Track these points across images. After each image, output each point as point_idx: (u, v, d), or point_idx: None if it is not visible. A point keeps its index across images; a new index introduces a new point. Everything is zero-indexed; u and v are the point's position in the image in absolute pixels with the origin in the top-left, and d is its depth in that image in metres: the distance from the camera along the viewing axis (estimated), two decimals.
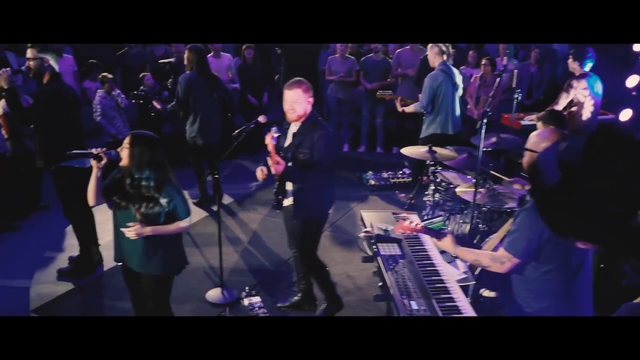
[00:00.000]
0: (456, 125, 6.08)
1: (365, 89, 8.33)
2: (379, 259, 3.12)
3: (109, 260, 5.07)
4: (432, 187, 4.88)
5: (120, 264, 3.61)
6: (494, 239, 3.10)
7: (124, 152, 3.25)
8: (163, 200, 3.27)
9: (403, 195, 6.63)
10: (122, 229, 3.28)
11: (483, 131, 4.00)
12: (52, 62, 4.43)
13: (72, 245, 5.44)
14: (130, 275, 3.56)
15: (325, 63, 8.55)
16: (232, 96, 7.34)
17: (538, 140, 2.76)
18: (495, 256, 2.79)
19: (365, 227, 3.54)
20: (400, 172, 7.17)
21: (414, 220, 3.60)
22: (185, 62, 5.93)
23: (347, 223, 6.05)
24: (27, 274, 5.03)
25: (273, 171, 3.60)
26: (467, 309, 2.69)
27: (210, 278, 4.97)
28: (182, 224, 3.38)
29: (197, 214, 6.16)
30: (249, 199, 6.79)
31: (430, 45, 6.09)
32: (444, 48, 5.99)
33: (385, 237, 3.26)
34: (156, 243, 3.36)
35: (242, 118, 8.69)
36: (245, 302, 4.49)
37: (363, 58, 8.37)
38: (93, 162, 3.31)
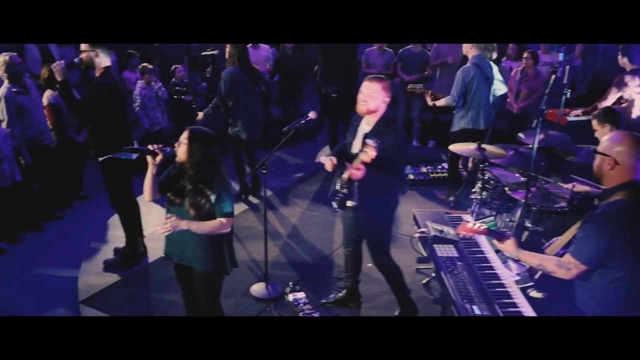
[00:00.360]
0: (488, 120, 5.98)
1: (402, 81, 8.24)
2: (436, 260, 3.07)
3: (152, 252, 5.15)
4: (479, 185, 4.80)
5: (170, 260, 3.61)
6: (558, 243, 3.02)
7: (182, 148, 3.24)
8: (213, 197, 3.25)
9: (441, 193, 6.55)
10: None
11: (538, 129, 3.91)
12: (104, 55, 4.45)
13: (115, 236, 5.52)
14: (182, 272, 3.57)
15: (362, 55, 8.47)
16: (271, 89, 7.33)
17: (611, 143, 2.68)
18: (561, 262, 2.73)
19: (420, 227, 3.49)
20: (439, 167, 7.08)
21: (468, 220, 3.56)
22: (227, 56, 5.91)
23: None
24: (74, 264, 5.11)
25: (351, 176, 3.54)
26: (531, 315, 2.64)
27: (252, 272, 4.97)
28: (222, 223, 3.31)
29: (237, 207, 6.17)
30: (288, 192, 6.77)
31: None
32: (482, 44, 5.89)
33: (441, 238, 3.21)
34: (209, 241, 3.35)
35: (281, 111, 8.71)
36: (290, 297, 4.48)
37: (401, 50, 8.27)
38: (149, 159, 3.30)
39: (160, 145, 3.30)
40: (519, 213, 4.67)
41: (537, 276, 3.10)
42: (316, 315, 4.29)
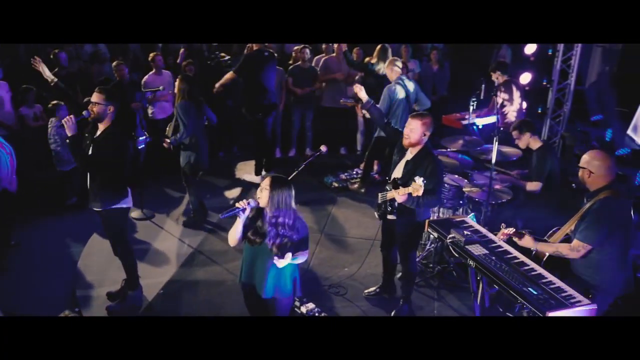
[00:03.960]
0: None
1: (295, 95, 8.95)
2: (476, 258, 3.94)
3: (147, 289, 5.33)
4: None
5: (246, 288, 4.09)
6: (559, 234, 4.05)
7: (264, 195, 3.66)
8: (295, 236, 3.75)
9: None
10: (275, 261, 3.67)
11: (496, 139, 5.00)
12: (114, 111, 4.56)
13: (90, 282, 5.53)
14: (253, 299, 4.04)
15: None
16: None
17: (588, 159, 3.82)
18: (572, 246, 3.80)
19: (441, 234, 4.36)
20: (354, 172, 8.03)
21: (468, 221, 4.52)
22: (176, 90, 6.14)
23: (334, 227, 6.75)
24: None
25: (399, 200, 4.33)
26: (572, 292, 3.60)
27: None
28: (305, 254, 3.87)
29: (194, 231, 6.48)
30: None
31: (387, 63, 6.98)
32: (399, 64, 6.92)
33: (471, 241, 4.10)
34: (282, 272, 3.84)
35: None
36: (303, 309, 5.03)
37: (291, 67, 8.96)
38: (240, 214, 3.67)
39: (245, 201, 3.67)
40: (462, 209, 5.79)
41: (544, 259, 4.11)
42: None
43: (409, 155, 4.63)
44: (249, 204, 3.70)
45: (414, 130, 4.47)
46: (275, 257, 3.67)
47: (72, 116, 4.44)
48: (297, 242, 3.78)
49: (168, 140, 6.16)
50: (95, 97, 4.54)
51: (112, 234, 4.93)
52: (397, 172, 4.67)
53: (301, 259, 3.83)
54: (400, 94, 6.80)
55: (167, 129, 6.43)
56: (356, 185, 7.66)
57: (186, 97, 6.09)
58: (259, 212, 3.79)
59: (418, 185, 4.07)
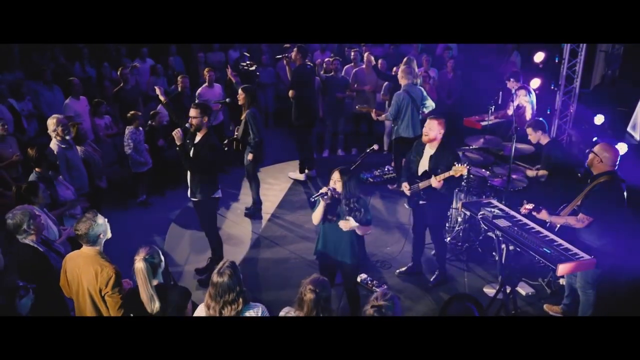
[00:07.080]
0: (416, 131, 7.83)
1: (331, 102, 10.08)
2: (502, 229, 5.02)
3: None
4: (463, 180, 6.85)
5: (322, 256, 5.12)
6: (568, 208, 5.13)
7: (338, 185, 4.74)
8: (363, 210, 4.82)
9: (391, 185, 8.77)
10: (340, 222, 4.72)
11: (514, 139, 6.07)
12: (209, 121, 5.70)
13: (173, 261, 6.62)
14: (329, 267, 5.09)
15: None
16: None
17: (601, 149, 4.88)
18: (578, 218, 4.88)
19: (472, 212, 5.44)
20: (385, 169, 9.12)
21: (494, 202, 5.59)
22: (241, 101, 7.26)
23: (375, 214, 7.75)
24: None
25: (435, 185, 5.40)
26: (577, 250, 4.67)
27: (309, 267, 6.48)
28: (370, 227, 4.94)
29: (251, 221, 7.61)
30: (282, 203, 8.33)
31: (399, 72, 8.00)
32: (407, 74, 7.90)
33: (498, 216, 5.18)
34: (356, 242, 4.92)
35: None
36: (358, 279, 6.08)
37: (324, 77, 10.07)
38: (325, 197, 4.74)
39: (328, 188, 4.73)
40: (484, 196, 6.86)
41: (556, 229, 5.18)
42: (385, 287, 6.01)
43: (430, 151, 5.66)
44: (329, 188, 4.76)
45: (432, 129, 5.53)
46: (342, 221, 4.71)
47: (179, 129, 5.54)
48: (363, 217, 4.85)
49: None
50: (192, 112, 5.67)
51: (205, 218, 6.05)
52: (423, 167, 5.71)
53: (364, 229, 4.85)
54: (406, 99, 7.78)
55: (236, 132, 7.55)
56: (395, 186, 8.68)
57: (252, 106, 7.20)
58: (333, 199, 4.85)
59: (462, 167, 5.17)
